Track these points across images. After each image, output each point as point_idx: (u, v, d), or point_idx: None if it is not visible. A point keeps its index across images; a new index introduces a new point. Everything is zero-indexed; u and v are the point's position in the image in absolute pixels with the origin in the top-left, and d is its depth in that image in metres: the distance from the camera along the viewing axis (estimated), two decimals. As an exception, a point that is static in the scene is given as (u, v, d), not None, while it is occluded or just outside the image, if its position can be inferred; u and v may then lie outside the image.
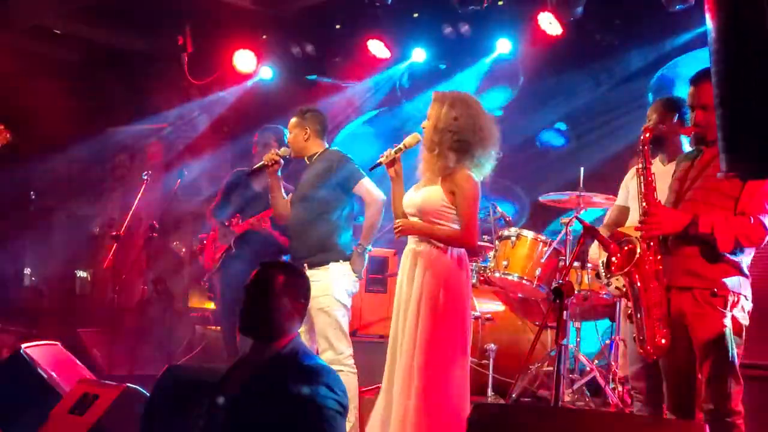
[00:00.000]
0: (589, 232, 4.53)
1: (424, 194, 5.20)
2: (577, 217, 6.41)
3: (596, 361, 6.80)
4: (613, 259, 4.36)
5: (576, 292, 6.49)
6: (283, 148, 6.50)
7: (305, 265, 6.02)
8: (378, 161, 5.43)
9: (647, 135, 4.46)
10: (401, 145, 5.37)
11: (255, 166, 6.62)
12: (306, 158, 6.45)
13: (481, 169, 5.17)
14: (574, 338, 6.80)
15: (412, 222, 5.26)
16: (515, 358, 6.85)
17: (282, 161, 6.41)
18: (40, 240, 11.02)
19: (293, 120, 6.47)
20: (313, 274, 5.81)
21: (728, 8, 2.33)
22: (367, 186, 6.24)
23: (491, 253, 6.98)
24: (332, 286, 6.01)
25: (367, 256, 6.26)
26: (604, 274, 4.61)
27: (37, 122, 10.00)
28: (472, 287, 5.79)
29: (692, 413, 4.23)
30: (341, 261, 6.14)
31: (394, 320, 5.23)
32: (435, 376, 4.98)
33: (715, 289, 4.16)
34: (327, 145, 6.50)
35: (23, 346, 6.13)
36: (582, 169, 6.91)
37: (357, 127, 10.27)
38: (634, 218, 5.20)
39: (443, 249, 5.13)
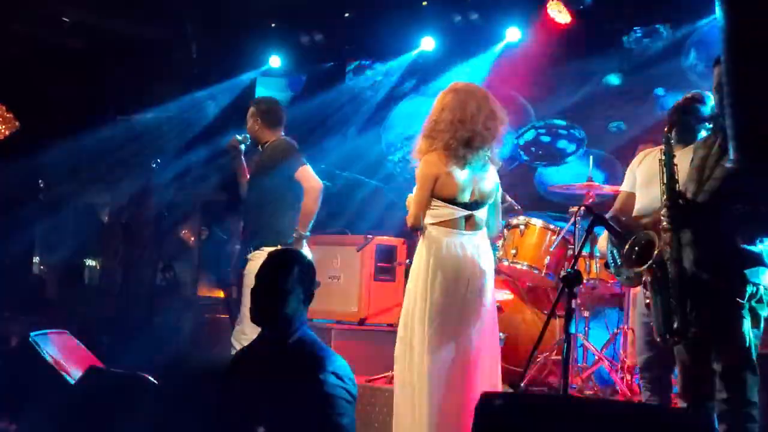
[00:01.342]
0: (599, 221, 4.51)
1: None
2: (585, 206, 6.39)
3: (604, 350, 6.79)
4: (633, 254, 4.29)
5: (585, 280, 6.47)
6: (243, 135, 6.77)
7: (250, 248, 6.36)
8: None
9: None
10: None
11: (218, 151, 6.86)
12: (260, 146, 6.73)
13: (457, 158, 5.16)
14: (583, 327, 6.78)
15: None
16: (524, 346, 6.84)
17: (242, 147, 6.73)
18: (49, 228, 11.02)
19: (249, 110, 6.77)
20: (253, 256, 6.22)
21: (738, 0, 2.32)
22: (306, 173, 6.44)
23: (500, 242, 6.96)
24: None
25: (305, 242, 6.39)
26: (613, 267, 4.60)
27: (45, 110, 9.99)
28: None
29: (702, 402, 4.20)
30: (279, 246, 6.23)
31: None
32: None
33: (735, 280, 4.13)
34: (282, 134, 6.72)
35: (32, 333, 6.14)
36: (591, 158, 6.91)
37: (406, 105, 10.18)
38: (641, 205, 5.16)
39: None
